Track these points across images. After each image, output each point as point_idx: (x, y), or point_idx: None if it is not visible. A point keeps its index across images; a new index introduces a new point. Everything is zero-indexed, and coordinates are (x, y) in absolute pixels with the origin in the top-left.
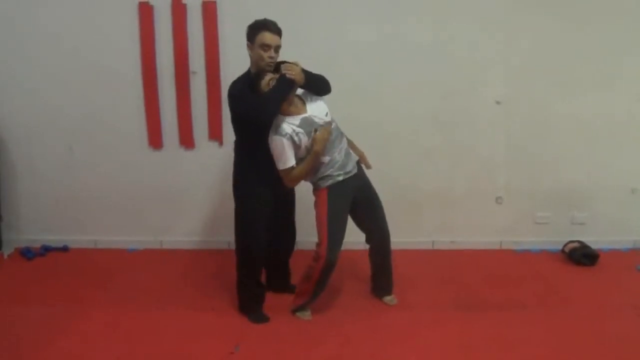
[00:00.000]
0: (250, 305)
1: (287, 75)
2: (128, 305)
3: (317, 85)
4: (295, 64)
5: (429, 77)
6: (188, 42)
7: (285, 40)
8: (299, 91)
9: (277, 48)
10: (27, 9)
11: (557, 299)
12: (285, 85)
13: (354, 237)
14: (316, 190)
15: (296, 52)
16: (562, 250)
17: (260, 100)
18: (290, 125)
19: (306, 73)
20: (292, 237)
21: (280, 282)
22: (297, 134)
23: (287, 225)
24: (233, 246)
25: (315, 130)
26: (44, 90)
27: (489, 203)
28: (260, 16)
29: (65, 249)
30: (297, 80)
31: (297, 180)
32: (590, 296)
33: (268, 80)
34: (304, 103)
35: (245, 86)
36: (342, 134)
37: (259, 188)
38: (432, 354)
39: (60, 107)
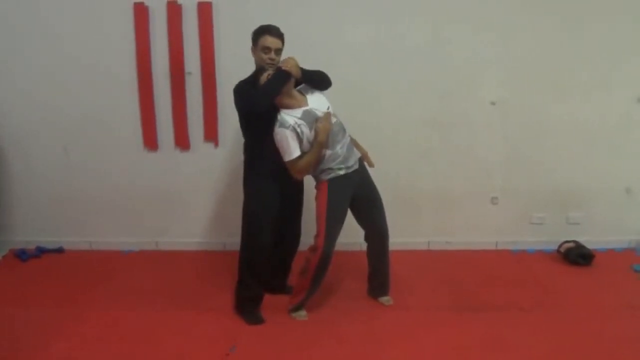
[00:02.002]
0: (246, 305)
1: (283, 67)
2: (124, 306)
3: (317, 79)
4: (291, 58)
5: (426, 79)
6: (183, 43)
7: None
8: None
9: (278, 51)
10: (23, 9)
11: (553, 299)
12: (281, 77)
13: (351, 238)
14: (317, 183)
15: (294, 53)
16: (558, 251)
17: (257, 91)
18: (292, 117)
19: (303, 69)
20: (296, 239)
21: (279, 282)
22: (299, 125)
23: (293, 227)
24: (229, 247)
25: (317, 121)
26: (40, 91)
27: (486, 203)
28: (256, 17)
29: (60, 250)
30: (293, 72)
31: (303, 171)
32: (585, 296)
33: (266, 75)
34: (304, 96)
35: (247, 83)
36: (344, 129)
37: (266, 185)
38: (428, 355)
39: (56, 107)
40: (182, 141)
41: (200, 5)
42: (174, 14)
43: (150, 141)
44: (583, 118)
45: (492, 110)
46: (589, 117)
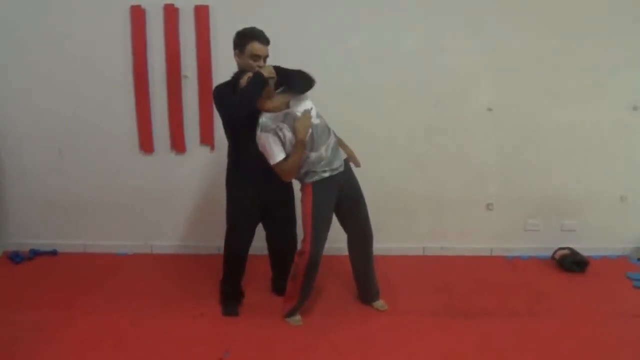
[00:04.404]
0: (226, 299)
1: (259, 71)
2: (117, 310)
3: (298, 78)
4: (268, 66)
5: (421, 85)
6: (180, 45)
7: (278, 47)
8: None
9: (265, 58)
10: (19, 11)
11: (547, 306)
12: (257, 83)
13: (345, 243)
14: (302, 185)
15: (290, 58)
16: (552, 257)
17: (236, 97)
18: (273, 121)
19: (280, 68)
20: (292, 242)
21: (282, 285)
22: (280, 129)
23: (286, 230)
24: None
25: (295, 121)
26: (35, 93)
27: (480, 210)
28: (253, 21)
29: (54, 253)
30: (265, 74)
31: (290, 173)
32: (580, 303)
33: (246, 78)
34: (287, 99)
35: (227, 87)
36: (329, 131)
37: (245, 187)
38: None
39: (51, 110)
40: (177, 144)
41: (197, 8)
42: (171, 16)
43: (146, 144)
44: (578, 125)
45: (487, 117)
46: (584, 124)
